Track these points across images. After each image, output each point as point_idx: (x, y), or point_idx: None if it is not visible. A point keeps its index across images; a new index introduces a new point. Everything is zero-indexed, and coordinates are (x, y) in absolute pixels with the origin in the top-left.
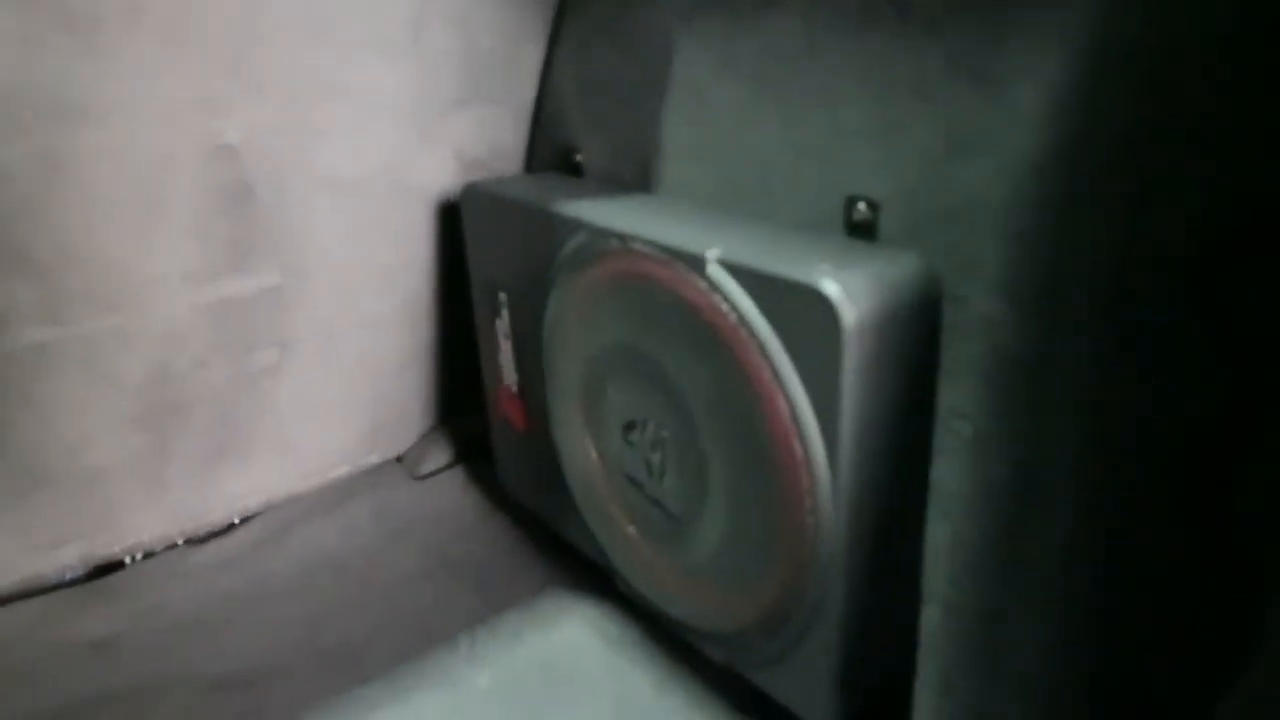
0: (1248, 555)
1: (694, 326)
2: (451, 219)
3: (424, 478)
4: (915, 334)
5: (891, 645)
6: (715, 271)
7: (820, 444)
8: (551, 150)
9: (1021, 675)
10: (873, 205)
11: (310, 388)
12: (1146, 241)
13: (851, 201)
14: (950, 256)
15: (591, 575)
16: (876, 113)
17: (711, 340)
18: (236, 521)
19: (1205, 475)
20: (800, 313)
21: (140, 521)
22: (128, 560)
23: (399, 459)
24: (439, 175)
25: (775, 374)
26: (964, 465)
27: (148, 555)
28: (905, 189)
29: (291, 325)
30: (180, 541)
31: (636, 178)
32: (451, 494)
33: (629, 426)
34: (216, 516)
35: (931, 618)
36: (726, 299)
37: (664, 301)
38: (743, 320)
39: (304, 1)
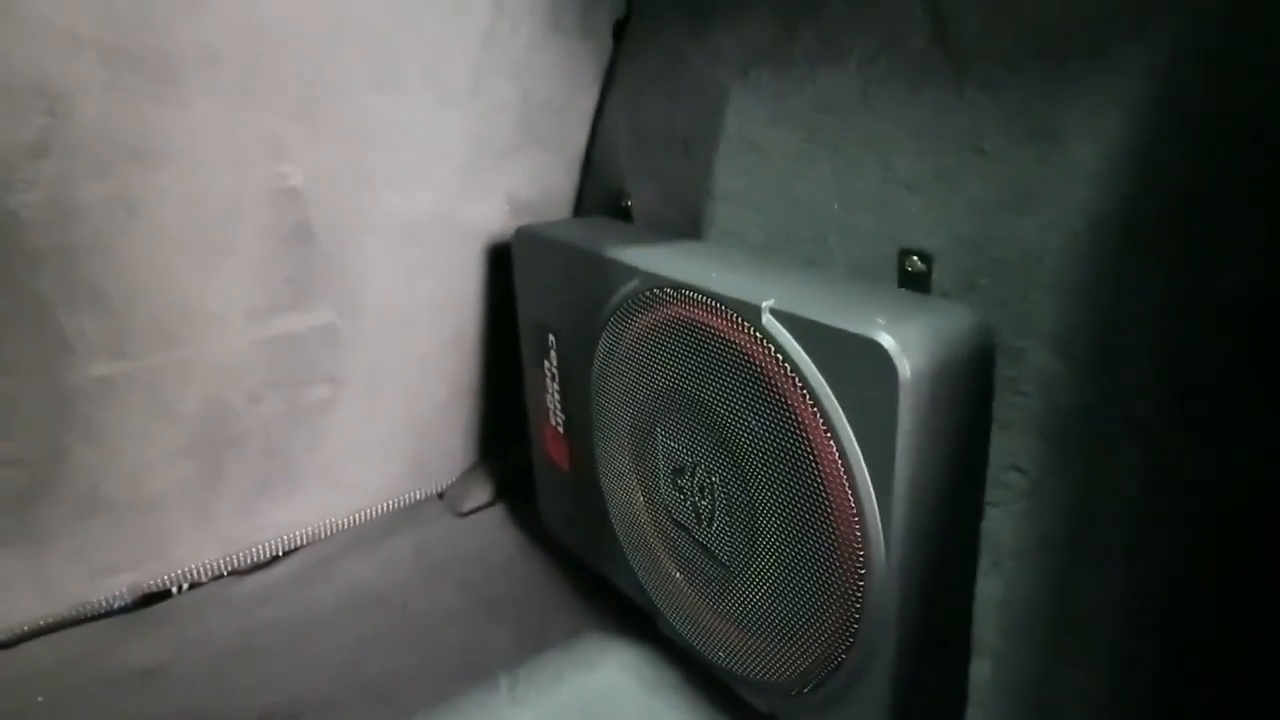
0: None
1: (747, 374)
2: (500, 260)
3: (465, 514)
4: (969, 387)
5: (940, 698)
6: (770, 321)
7: (873, 495)
8: (601, 195)
9: None
10: (926, 258)
11: (358, 422)
12: (1205, 298)
13: (905, 253)
14: (1004, 310)
15: (630, 616)
16: (931, 165)
17: (765, 388)
18: (280, 554)
19: (1270, 539)
20: (856, 364)
21: (188, 551)
22: (175, 590)
23: (440, 495)
24: (490, 218)
25: (829, 424)
26: (1018, 518)
27: (194, 585)
28: (959, 242)
29: (343, 361)
30: (226, 572)
31: (686, 224)
32: (492, 531)
33: (678, 471)
34: (261, 548)
35: (982, 671)
36: (781, 349)
37: (717, 348)
38: (797, 370)
39: (372, 50)
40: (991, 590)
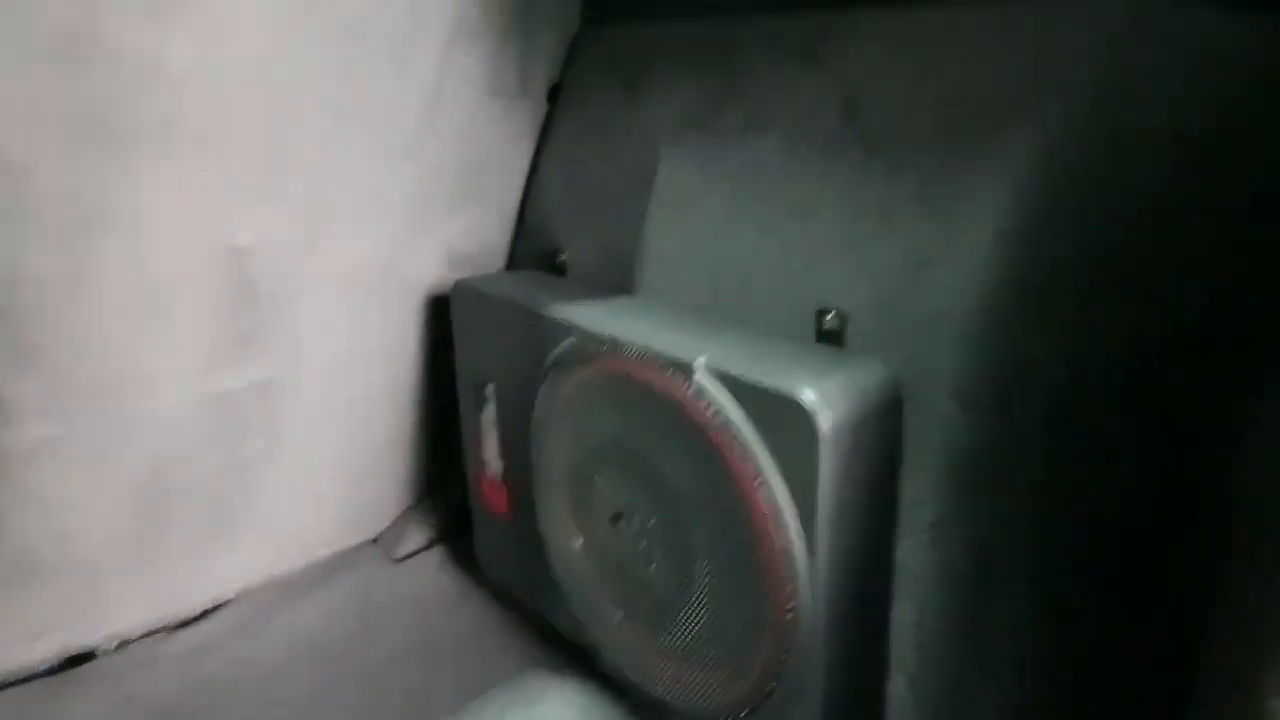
0: (1180, 621)
1: (681, 425)
2: (437, 311)
3: (403, 559)
4: (882, 433)
5: (864, 716)
6: (702, 378)
7: (799, 535)
8: (536, 249)
9: None
10: (841, 316)
11: (295, 472)
12: (1084, 352)
13: (822, 312)
14: (912, 363)
15: (573, 654)
16: (845, 231)
17: (698, 439)
18: (216, 608)
19: (1142, 555)
20: (781, 418)
21: (124, 609)
22: (108, 648)
23: (375, 540)
24: (429, 271)
25: (758, 471)
26: (926, 548)
27: (126, 643)
28: (871, 301)
29: (282, 414)
30: (161, 628)
31: (619, 280)
32: (430, 575)
33: (617, 516)
34: (197, 603)
35: (899, 688)
36: (712, 403)
37: (652, 401)
38: (727, 422)
39: (323, 112)
40: (905, 614)
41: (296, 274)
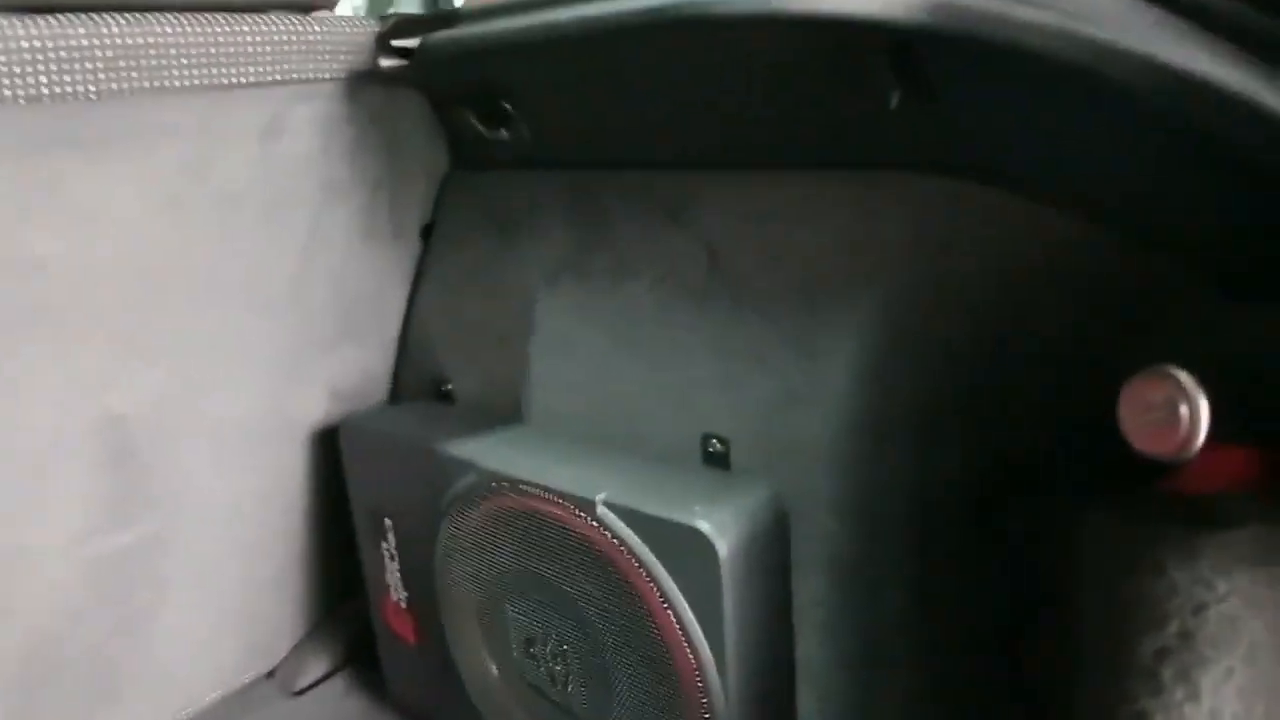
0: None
1: (588, 556)
2: (325, 445)
3: (303, 691)
4: (773, 548)
5: None
6: (604, 513)
7: (708, 650)
8: (421, 379)
9: None
10: (724, 441)
11: (185, 619)
12: (933, 477)
13: (707, 437)
14: (791, 482)
15: None
16: (722, 368)
17: (604, 568)
18: None
19: (1005, 638)
20: (681, 546)
21: None
22: None
23: (270, 674)
24: (313, 409)
25: (665, 595)
26: (822, 640)
27: None
28: (750, 429)
29: (168, 565)
30: None
31: (508, 408)
32: (333, 706)
33: (530, 641)
34: None
35: None
36: (616, 535)
37: (558, 534)
38: (631, 552)
39: (196, 275)
40: (808, 704)
41: (178, 432)
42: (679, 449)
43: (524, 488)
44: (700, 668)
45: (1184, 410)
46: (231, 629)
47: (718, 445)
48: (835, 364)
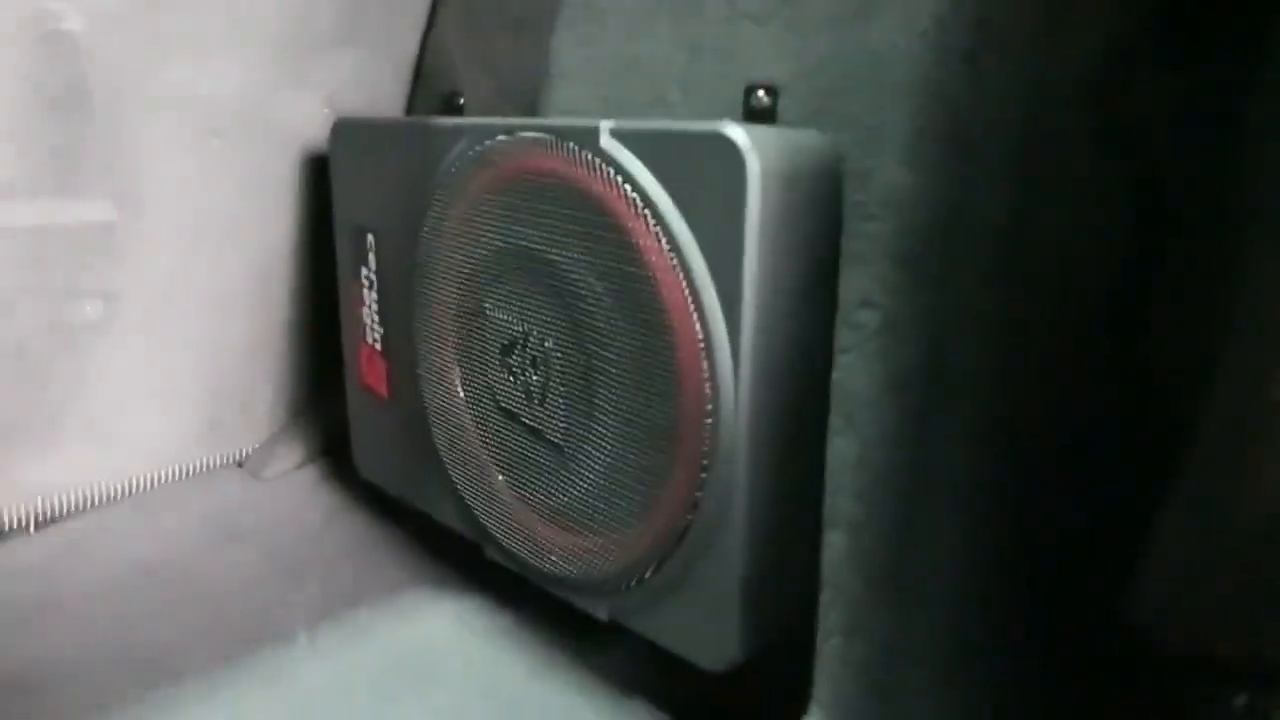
0: (1164, 403)
1: (585, 212)
2: (319, 175)
3: (272, 479)
4: (819, 208)
5: (791, 583)
6: (609, 142)
7: (721, 322)
8: (434, 99)
9: (936, 600)
10: (771, 91)
11: (137, 361)
12: (1051, 76)
13: (750, 90)
14: (853, 131)
15: (457, 570)
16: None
17: (604, 224)
18: (33, 524)
19: (1119, 325)
20: (701, 167)
21: None
22: None
23: (240, 464)
24: (308, 122)
25: (674, 249)
26: (871, 359)
27: None
28: (807, 66)
29: (120, 273)
30: None
31: (523, 110)
32: (300, 495)
33: (507, 348)
34: (9, 515)
35: (836, 546)
36: (622, 169)
37: (553, 192)
38: (639, 190)
39: None
40: (845, 450)
41: (142, 86)
42: (717, 114)
43: (519, 138)
44: (708, 348)
45: None
46: (194, 396)
47: (763, 98)
48: None
